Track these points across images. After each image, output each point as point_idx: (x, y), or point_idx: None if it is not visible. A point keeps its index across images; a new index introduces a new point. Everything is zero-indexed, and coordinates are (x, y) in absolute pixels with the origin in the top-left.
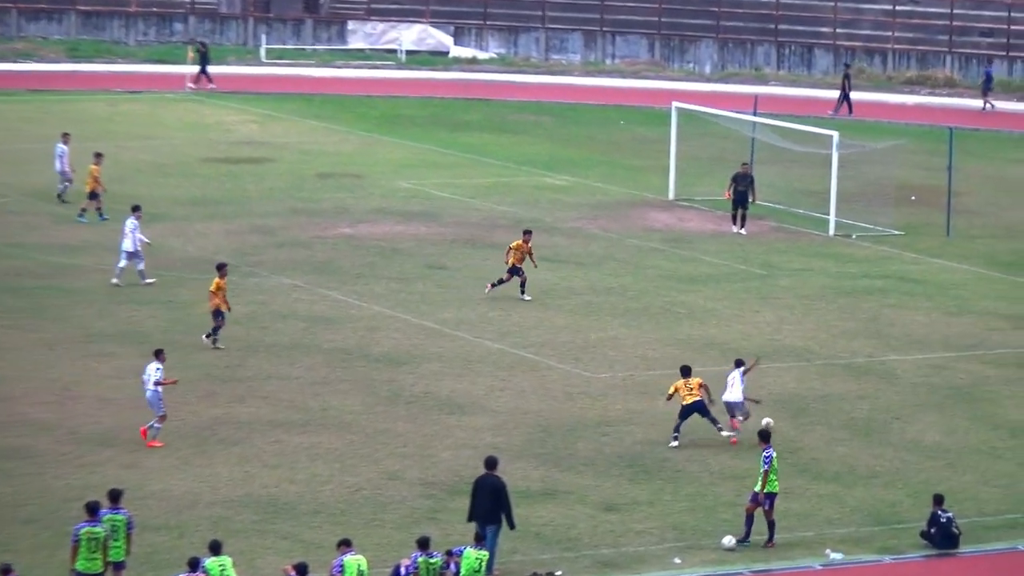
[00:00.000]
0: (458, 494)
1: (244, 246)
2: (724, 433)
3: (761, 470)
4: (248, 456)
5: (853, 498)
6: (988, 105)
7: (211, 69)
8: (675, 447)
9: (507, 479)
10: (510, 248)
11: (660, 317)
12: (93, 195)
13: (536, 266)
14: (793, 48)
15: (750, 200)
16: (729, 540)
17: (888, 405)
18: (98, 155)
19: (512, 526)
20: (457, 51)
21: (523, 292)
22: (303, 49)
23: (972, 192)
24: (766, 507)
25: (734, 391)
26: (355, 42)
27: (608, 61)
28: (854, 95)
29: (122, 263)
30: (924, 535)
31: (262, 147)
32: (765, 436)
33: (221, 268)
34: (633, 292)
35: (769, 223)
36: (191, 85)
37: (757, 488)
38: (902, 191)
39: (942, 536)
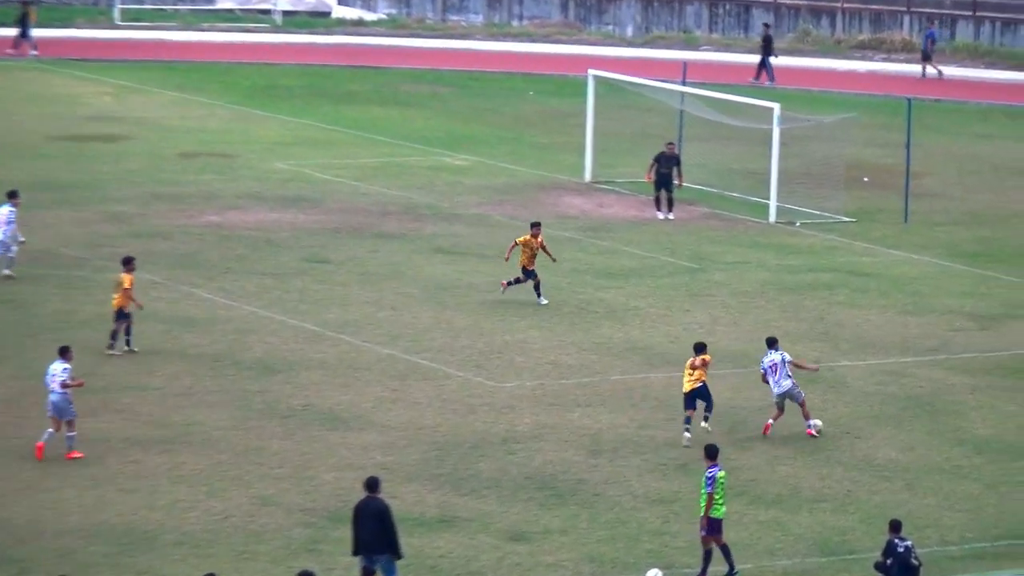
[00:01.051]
0: (342, 522)
1: (96, 236)
2: (704, 425)
3: (704, 491)
4: (101, 479)
5: (798, 525)
6: (933, 71)
7: (55, 32)
8: (688, 446)
9: (395, 503)
10: (515, 243)
11: (575, 317)
12: None
13: (555, 260)
14: (727, 8)
15: (676, 184)
16: (655, 574)
17: (837, 417)
18: None
19: (398, 555)
20: (341, 11)
21: (539, 295)
22: (163, 9)
23: (933, 173)
24: (703, 533)
25: (783, 380)
26: (223, 2)
27: (515, 23)
28: (799, 61)
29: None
30: (879, 567)
31: (117, 123)
32: (712, 453)
33: (129, 262)
34: (544, 288)
35: (701, 209)
36: (33, 52)
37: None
38: (853, 172)
39: (899, 568)
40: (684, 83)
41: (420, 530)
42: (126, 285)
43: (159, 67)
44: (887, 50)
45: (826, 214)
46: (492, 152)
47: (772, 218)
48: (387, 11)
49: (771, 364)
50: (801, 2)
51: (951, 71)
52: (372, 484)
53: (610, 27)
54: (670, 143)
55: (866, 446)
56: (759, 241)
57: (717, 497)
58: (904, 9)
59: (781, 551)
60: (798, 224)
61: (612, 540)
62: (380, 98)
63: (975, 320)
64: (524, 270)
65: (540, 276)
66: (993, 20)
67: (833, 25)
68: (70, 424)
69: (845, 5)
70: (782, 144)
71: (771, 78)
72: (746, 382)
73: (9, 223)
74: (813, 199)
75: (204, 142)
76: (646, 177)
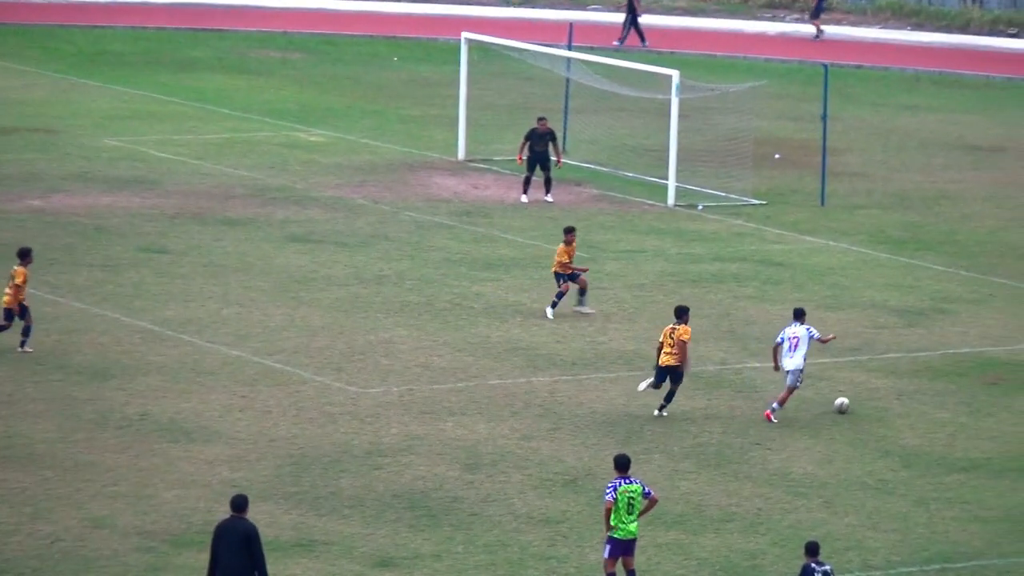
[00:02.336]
0: (186, 546)
1: None
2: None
3: (604, 506)
4: None
5: (701, 548)
6: (814, 30)
7: None
8: (662, 415)
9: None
10: (566, 263)
11: (447, 314)
12: None
13: (586, 269)
14: None
15: (554, 162)
16: None
17: (746, 427)
18: None
19: None
20: None
21: (554, 307)
22: None
23: (853, 149)
24: (605, 555)
25: (797, 356)
26: None
27: None
28: (700, 22)
29: None
30: None
31: None
32: (622, 464)
33: (26, 255)
34: (412, 281)
35: (590, 190)
36: None
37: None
38: (763, 148)
39: None
40: (570, 47)
41: (274, 555)
42: (19, 280)
43: None
44: (800, 9)
45: (733, 196)
46: (352, 127)
47: (671, 201)
48: None
49: (792, 337)
50: None
51: (874, 33)
52: (239, 503)
53: None
54: (542, 118)
55: (779, 459)
56: (657, 227)
57: (618, 513)
58: None
59: None
60: (701, 207)
61: (492, 566)
62: (224, 66)
63: (901, 316)
64: (557, 275)
65: (416, 273)
66: None
67: None
68: None
69: None
70: (682, 117)
71: (642, 40)
72: None
73: None
74: (718, 179)
75: (24, 116)
76: (517, 158)
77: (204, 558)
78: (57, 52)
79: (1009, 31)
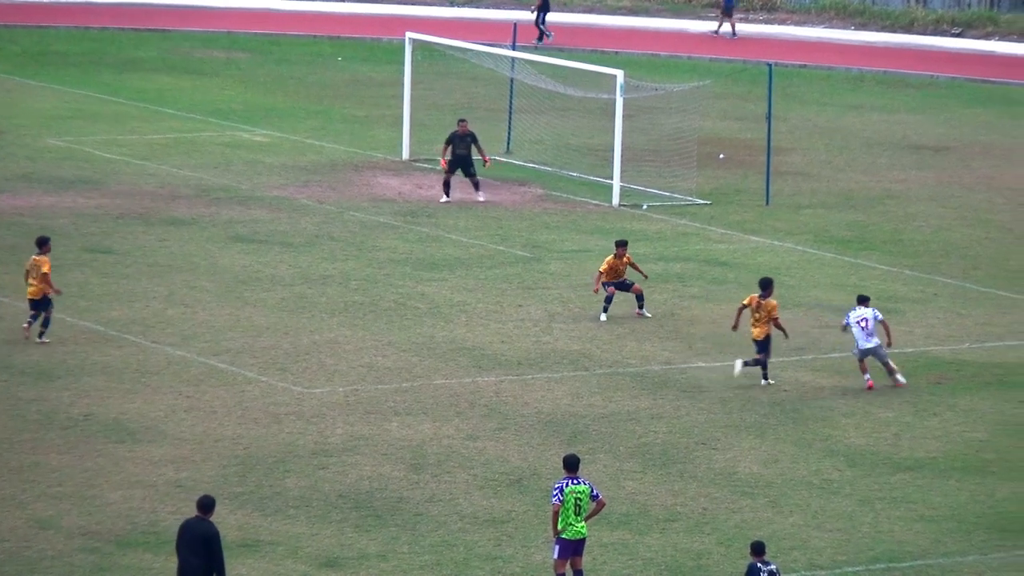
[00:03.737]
0: (131, 546)
1: None
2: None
3: (551, 509)
4: None
5: (647, 548)
6: (727, 29)
7: None
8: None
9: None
10: (600, 273)
11: (392, 314)
12: None
13: (647, 277)
14: None
15: (481, 162)
16: None
17: (691, 426)
18: None
19: None
20: None
21: (606, 311)
22: None
23: (798, 148)
24: (554, 555)
25: (871, 337)
26: None
27: None
28: (644, 22)
29: None
30: None
31: None
32: (571, 464)
33: (44, 243)
34: (357, 281)
35: (535, 190)
36: None
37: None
38: (707, 148)
39: None
40: (515, 47)
41: None
42: (45, 270)
43: None
44: (744, 8)
45: (677, 196)
46: (296, 127)
47: (616, 201)
48: None
49: (860, 319)
50: None
51: (818, 32)
52: (205, 504)
53: None
54: (462, 120)
55: (724, 458)
56: (601, 226)
57: (564, 515)
58: None
59: None
60: (645, 207)
61: (437, 566)
62: (168, 65)
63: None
64: (617, 283)
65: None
66: None
67: None
68: None
69: None
70: (627, 117)
71: (540, 36)
72: (587, 387)
73: None
74: (662, 179)
75: None
76: (441, 163)
77: (150, 559)
78: (1, 52)
79: (953, 31)
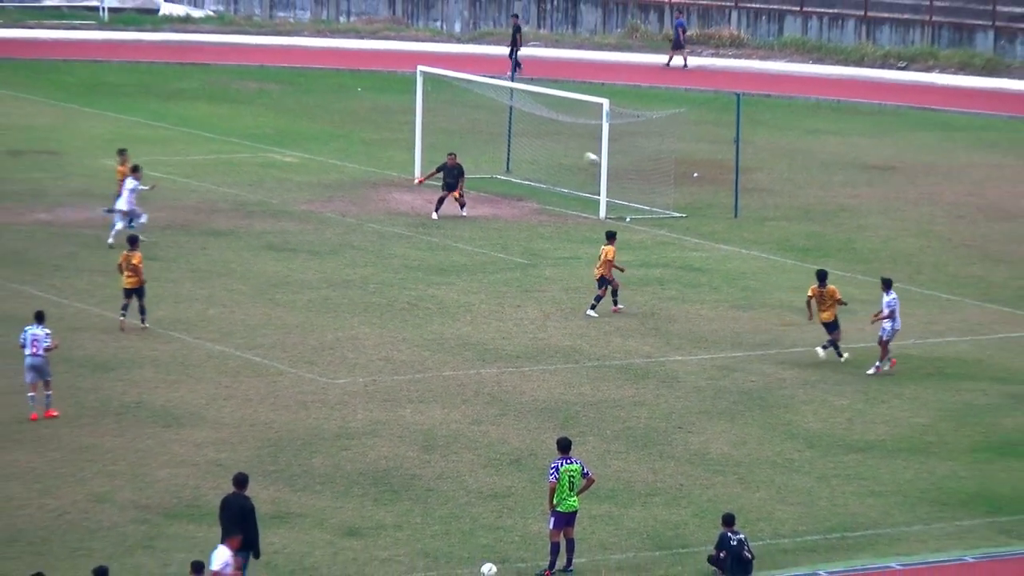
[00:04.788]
0: (177, 518)
1: None
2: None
3: (548, 486)
4: None
5: (630, 519)
6: (678, 61)
7: None
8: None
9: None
10: (606, 261)
11: (406, 314)
12: None
13: (623, 270)
14: (556, 3)
15: (459, 190)
16: (489, 568)
17: (669, 412)
18: None
19: (256, 554)
20: (168, 8)
21: (595, 304)
22: None
23: (763, 168)
24: (550, 526)
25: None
26: None
27: (342, 19)
28: (627, 57)
29: (118, 225)
30: (712, 560)
31: None
32: (564, 445)
33: (135, 241)
34: (375, 285)
35: (532, 204)
36: None
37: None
38: (683, 167)
39: (733, 561)
40: (513, 78)
41: None
42: (135, 261)
43: None
44: (715, 45)
45: (656, 209)
46: (321, 149)
47: (603, 214)
48: (214, 8)
49: (894, 301)
50: None
51: (780, 66)
52: (240, 480)
53: (437, 23)
54: (451, 153)
55: (698, 440)
56: (590, 237)
57: (560, 492)
58: (732, 4)
59: (614, 545)
60: (628, 220)
61: (446, 535)
62: (208, 95)
63: (805, 314)
64: (599, 280)
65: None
66: (820, 16)
67: (661, 20)
68: (47, 384)
69: (673, 0)
70: (612, 140)
71: (513, 68)
72: (577, 377)
73: (131, 191)
74: (643, 195)
75: (31, 140)
76: (421, 179)
77: (194, 529)
78: (61, 83)
79: (899, 64)
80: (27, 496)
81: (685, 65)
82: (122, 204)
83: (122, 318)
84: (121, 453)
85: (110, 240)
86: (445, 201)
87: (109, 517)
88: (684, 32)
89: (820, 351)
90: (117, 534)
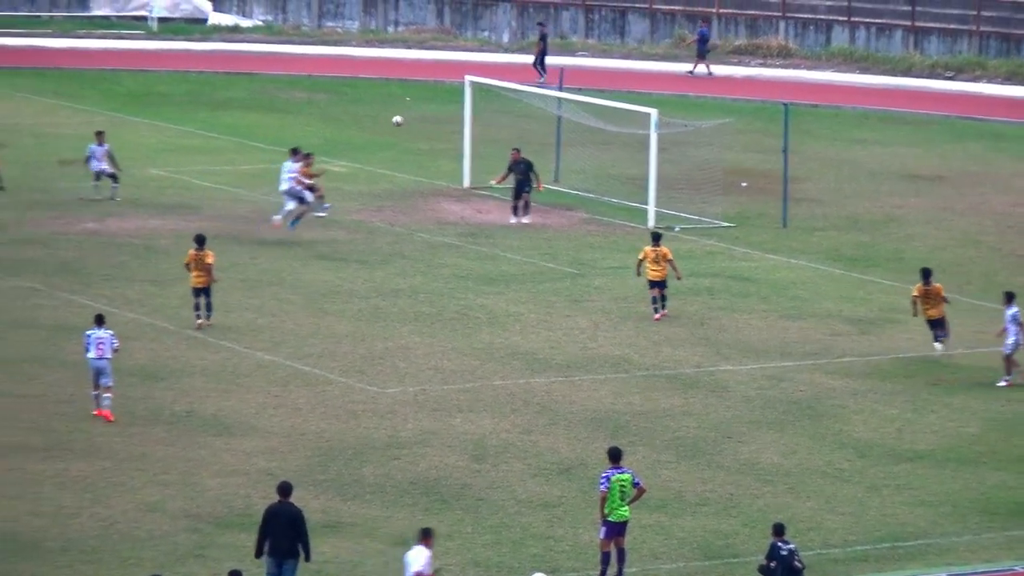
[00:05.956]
0: (228, 527)
1: None
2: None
3: (599, 495)
4: None
5: (681, 529)
6: (703, 70)
7: None
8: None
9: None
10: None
11: (456, 323)
12: None
13: (680, 278)
14: (604, 13)
15: (534, 187)
16: None
17: (719, 422)
18: None
19: (308, 558)
20: (217, 18)
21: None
22: (38, 17)
23: (811, 178)
24: (600, 535)
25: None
26: (98, 8)
27: (390, 29)
28: (675, 67)
29: (288, 205)
30: (762, 570)
31: None
32: (615, 455)
33: (203, 240)
34: (425, 294)
35: (580, 214)
36: None
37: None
38: (732, 177)
39: (783, 571)
40: (561, 88)
41: None
42: (209, 260)
43: (32, 74)
44: (764, 55)
45: (705, 219)
46: (369, 158)
47: (651, 223)
48: (263, 18)
49: (1017, 314)
50: (677, 8)
51: (828, 76)
52: (285, 489)
53: (486, 33)
54: (515, 149)
55: (748, 450)
56: (638, 246)
57: (611, 501)
58: (779, 15)
59: (665, 555)
60: (677, 229)
61: (497, 544)
62: (257, 104)
63: (854, 324)
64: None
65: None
66: (868, 26)
67: (710, 30)
68: (109, 388)
69: (721, 10)
70: (661, 149)
71: (541, 74)
72: (627, 387)
73: (291, 173)
74: (692, 204)
75: (80, 149)
76: (497, 180)
77: (245, 538)
78: (110, 93)
79: (946, 74)
80: (79, 505)
81: (709, 73)
82: (284, 186)
83: (199, 319)
84: (172, 462)
85: (278, 217)
86: (519, 209)
87: (160, 526)
88: (706, 41)
89: (937, 346)
90: (168, 543)
